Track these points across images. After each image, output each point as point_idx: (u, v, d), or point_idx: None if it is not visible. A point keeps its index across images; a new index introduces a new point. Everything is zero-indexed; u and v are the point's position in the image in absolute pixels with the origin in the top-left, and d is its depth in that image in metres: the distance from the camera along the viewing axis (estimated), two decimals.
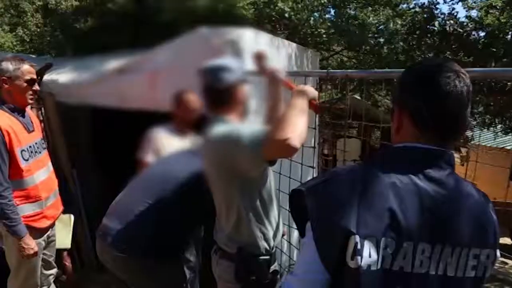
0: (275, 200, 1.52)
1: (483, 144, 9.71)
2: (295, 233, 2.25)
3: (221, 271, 1.50)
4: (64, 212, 2.37)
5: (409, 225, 0.77)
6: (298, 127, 1.19)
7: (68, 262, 2.71)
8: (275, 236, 1.49)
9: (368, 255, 0.75)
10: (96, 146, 3.29)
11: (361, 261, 0.74)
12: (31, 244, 1.95)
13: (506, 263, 5.61)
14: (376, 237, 0.75)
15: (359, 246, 0.74)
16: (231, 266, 1.44)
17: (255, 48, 1.77)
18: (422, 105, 0.83)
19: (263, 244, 1.44)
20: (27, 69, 1.98)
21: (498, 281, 4.52)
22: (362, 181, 0.80)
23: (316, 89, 1.47)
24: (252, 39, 2.25)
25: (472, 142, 8.08)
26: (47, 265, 2.24)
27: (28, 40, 7.32)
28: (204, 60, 1.54)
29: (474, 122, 6.75)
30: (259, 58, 1.69)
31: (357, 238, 0.74)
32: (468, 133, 6.71)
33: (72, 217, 2.61)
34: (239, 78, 1.50)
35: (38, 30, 6.80)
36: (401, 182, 0.79)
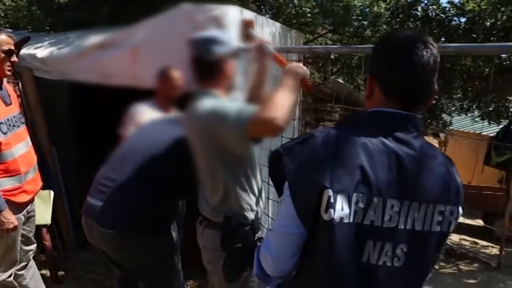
0: (257, 169, 1.54)
1: (461, 129, 10.00)
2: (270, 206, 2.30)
3: (206, 240, 1.53)
4: (43, 189, 2.35)
5: (379, 181, 0.82)
6: (285, 107, 1.20)
7: (47, 241, 2.68)
8: (257, 203, 1.52)
9: (341, 208, 0.79)
10: (76, 122, 3.23)
11: (334, 214, 0.79)
12: (11, 218, 1.92)
13: (477, 243, 5.86)
14: (348, 192, 0.80)
15: (332, 200, 0.79)
16: (216, 235, 1.46)
17: (243, 17, 1.71)
18: (390, 73, 0.88)
19: (249, 215, 1.47)
20: (5, 39, 1.91)
21: (468, 259, 4.74)
22: (335, 142, 0.85)
23: None
24: (236, 16, 2.23)
25: (450, 128, 8.29)
26: (26, 240, 2.23)
27: (2, 15, 7.02)
28: (187, 36, 1.52)
29: (453, 108, 6.91)
30: (247, 25, 1.65)
31: (330, 192, 0.79)
32: (446, 118, 6.88)
33: (52, 192, 2.59)
34: (229, 51, 1.48)
35: (14, 4, 6.52)
36: (372, 143, 0.84)
